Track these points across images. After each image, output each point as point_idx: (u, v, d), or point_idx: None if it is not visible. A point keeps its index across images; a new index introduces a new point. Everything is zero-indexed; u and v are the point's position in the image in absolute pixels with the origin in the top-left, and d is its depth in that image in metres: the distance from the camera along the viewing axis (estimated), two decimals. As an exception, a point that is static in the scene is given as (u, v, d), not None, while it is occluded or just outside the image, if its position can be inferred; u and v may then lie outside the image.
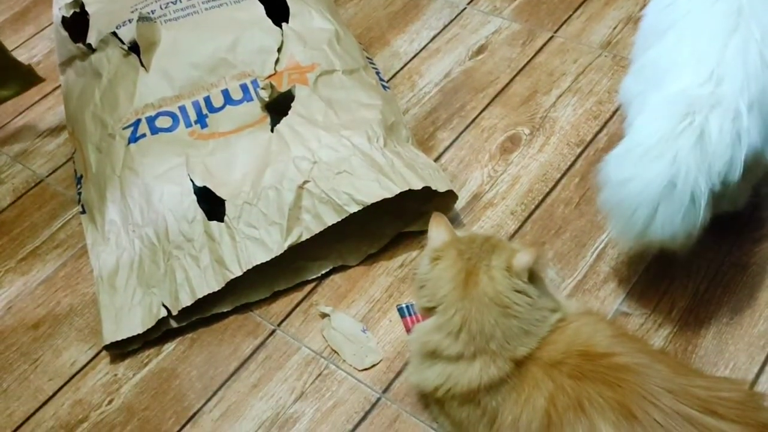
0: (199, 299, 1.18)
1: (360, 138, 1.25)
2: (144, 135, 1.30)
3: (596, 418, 0.84)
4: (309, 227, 1.20)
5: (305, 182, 1.22)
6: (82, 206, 1.37)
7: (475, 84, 1.51)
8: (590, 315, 0.99)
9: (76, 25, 1.50)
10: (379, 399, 1.11)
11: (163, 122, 1.31)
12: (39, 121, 1.60)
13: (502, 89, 1.49)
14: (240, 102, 1.32)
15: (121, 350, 1.20)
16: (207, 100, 1.32)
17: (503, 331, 0.91)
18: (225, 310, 1.23)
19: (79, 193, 1.39)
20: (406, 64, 1.57)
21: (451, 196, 1.26)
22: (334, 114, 1.29)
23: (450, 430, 1.00)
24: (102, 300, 1.23)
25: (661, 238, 1.03)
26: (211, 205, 1.23)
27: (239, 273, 1.18)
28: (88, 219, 1.34)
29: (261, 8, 1.41)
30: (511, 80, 1.50)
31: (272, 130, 1.28)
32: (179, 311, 1.19)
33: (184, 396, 1.15)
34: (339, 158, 1.24)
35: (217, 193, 1.23)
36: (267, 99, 1.30)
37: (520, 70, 1.52)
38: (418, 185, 1.21)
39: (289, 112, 1.29)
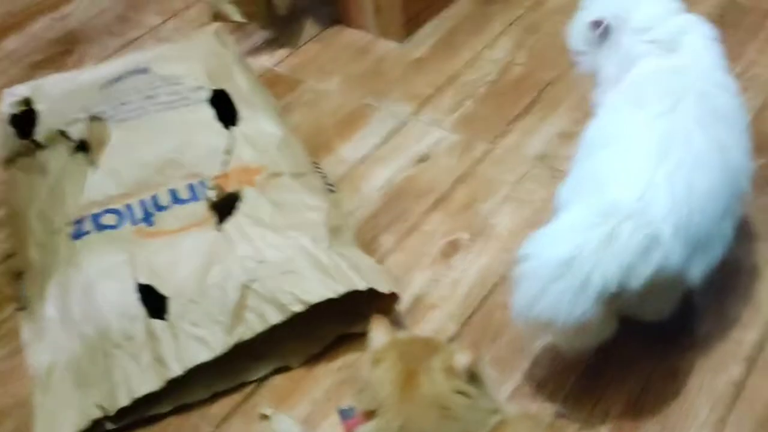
0: (138, 400, 1.16)
1: (306, 239, 1.28)
2: (88, 232, 1.30)
3: None
4: (253, 327, 1.20)
5: (250, 281, 1.23)
6: (21, 303, 1.34)
7: (417, 191, 1.56)
8: (528, 418, 1.01)
9: (24, 122, 1.51)
10: (318, 505, 1.09)
11: (109, 219, 1.32)
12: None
13: (443, 196, 1.54)
14: (187, 201, 1.34)
15: None
16: (154, 198, 1.34)
17: None
18: (163, 411, 1.20)
19: (19, 290, 1.36)
20: (350, 170, 1.62)
21: (393, 298, 1.28)
22: (281, 215, 1.32)
23: None
24: (36, 400, 1.19)
25: (549, 317, 1.06)
26: (154, 302, 1.23)
27: (180, 372, 1.16)
28: (25, 316, 1.32)
29: (211, 111, 1.45)
30: (452, 188, 1.56)
31: (218, 230, 1.30)
32: (116, 413, 1.16)
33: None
34: (285, 258, 1.25)
35: (161, 291, 1.23)
36: (214, 199, 1.33)
37: (460, 178, 1.58)
38: (362, 286, 1.23)
39: (236, 213, 1.31)
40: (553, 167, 1.58)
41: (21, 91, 1.56)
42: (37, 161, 1.44)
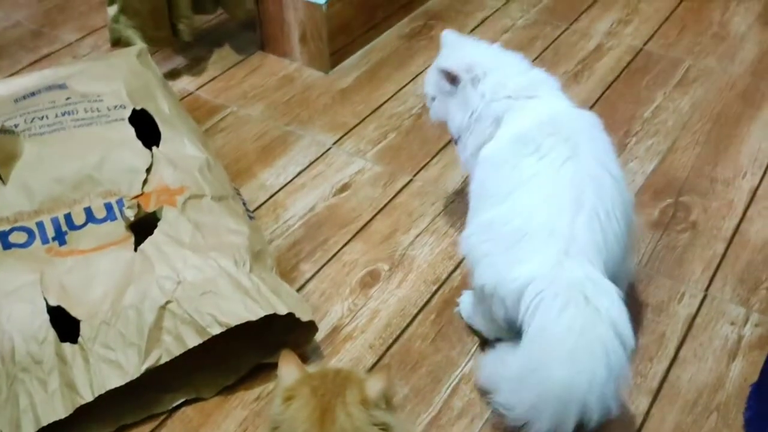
0: (44, 429, 1.10)
1: (227, 261, 1.26)
2: None
3: None
4: (169, 349, 1.17)
5: (168, 302, 1.19)
6: None
7: (338, 220, 1.56)
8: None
9: None
10: None
11: (18, 237, 1.26)
12: None
13: (364, 226, 1.55)
14: (103, 221, 1.30)
15: None
16: (68, 217, 1.29)
17: None
18: None
19: None
20: (271, 197, 1.60)
21: (311, 327, 1.27)
22: (202, 237, 1.29)
23: None
24: None
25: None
26: (65, 324, 1.18)
27: (91, 398, 1.12)
28: None
29: (131, 130, 1.42)
30: (373, 218, 1.57)
31: (136, 250, 1.26)
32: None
33: None
34: (205, 279, 1.22)
35: (72, 313, 1.18)
36: (132, 218, 1.29)
37: (381, 209, 1.59)
38: (282, 311, 1.21)
39: (155, 232, 1.28)
40: (472, 201, 1.61)
41: None
42: None
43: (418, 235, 1.53)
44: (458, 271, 1.46)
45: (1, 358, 1.15)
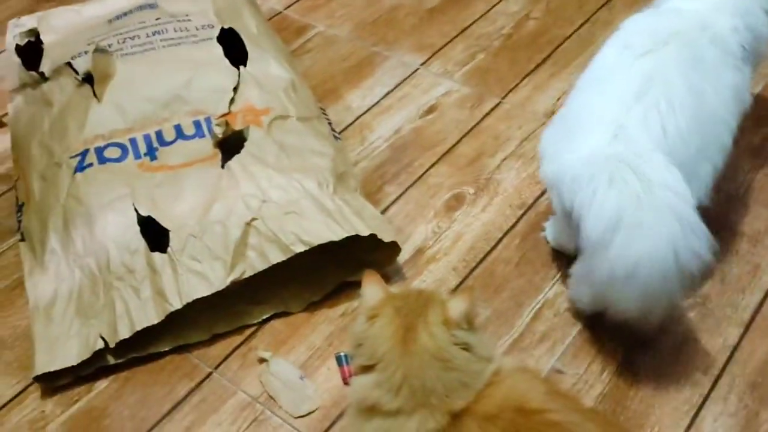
0: (138, 337, 1.17)
1: (311, 182, 1.27)
2: (91, 164, 1.29)
3: (529, 471, 0.86)
4: (253, 264, 1.20)
5: (253, 219, 1.22)
6: (22, 234, 1.34)
7: (423, 142, 1.55)
8: (525, 371, 1.01)
9: (30, 53, 1.50)
10: (313, 447, 1.11)
11: (112, 153, 1.31)
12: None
13: (450, 149, 1.53)
14: (192, 137, 1.33)
15: (52, 383, 1.17)
16: (158, 134, 1.33)
17: (444, 384, 0.92)
18: (163, 350, 1.21)
19: (19, 221, 1.36)
20: (357, 118, 1.60)
21: (395, 248, 1.28)
22: (286, 157, 1.31)
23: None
24: (36, 330, 1.20)
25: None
26: (155, 235, 1.22)
27: (179, 306, 1.17)
28: (27, 247, 1.32)
29: (219, 49, 1.43)
30: (459, 141, 1.55)
31: (223, 167, 1.29)
32: (117, 346, 1.17)
33: (113, 436, 1.12)
34: (288, 199, 1.25)
35: (162, 224, 1.22)
36: (220, 136, 1.32)
37: (468, 132, 1.57)
38: (364, 232, 1.23)
39: (242, 151, 1.30)
40: (562, 125, 1.56)
41: (27, 22, 1.54)
42: (41, 93, 1.42)
43: (504, 159, 1.51)
44: (545, 196, 1.43)
45: (98, 266, 1.21)
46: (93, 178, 1.28)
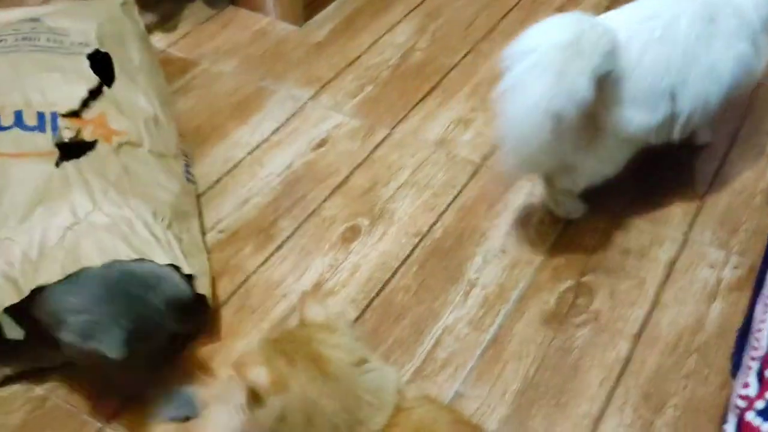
0: None
1: (146, 210, 1.21)
2: None
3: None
4: (64, 268, 1.10)
5: (74, 224, 1.14)
6: None
7: (316, 175, 1.54)
8: (429, 401, 1.01)
9: None
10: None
11: None
12: None
13: (343, 181, 1.53)
14: (32, 129, 1.24)
15: None
16: None
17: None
18: None
19: None
20: (248, 154, 1.58)
21: (205, 311, 1.23)
22: (128, 181, 1.24)
23: None
24: None
25: (565, 103, 1.17)
26: None
27: None
28: None
29: (86, 63, 1.36)
30: (352, 173, 1.55)
31: (57, 166, 1.21)
32: None
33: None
34: (120, 215, 1.17)
35: None
36: (65, 139, 1.24)
37: (360, 163, 1.57)
38: (184, 267, 1.17)
39: (82, 159, 1.22)
40: (450, 152, 1.59)
41: None
42: None
43: (398, 188, 1.52)
44: (439, 223, 1.45)
45: None
46: None
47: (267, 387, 0.88)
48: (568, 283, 1.35)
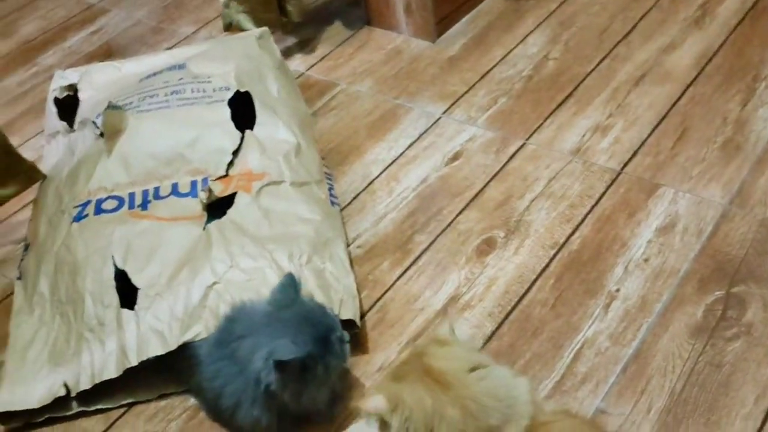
0: (97, 388, 1.19)
1: (282, 254, 1.28)
2: (87, 215, 1.34)
3: None
4: (208, 326, 1.20)
5: (215, 283, 1.23)
6: (20, 272, 1.39)
7: (451, 189, 1.55)
8: (569, 416, 0.99)
9: (67, 106, 1.61)
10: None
11: (109, 204, 1.36)
12: (17, 228, 1.60)
13: (478, 194, 1.53)
14: (185, 195, 1.36)
15: (7, 422, 1.21)
16: (156, 189, 1.37)
17: None
18: (118, 405, 1.24)
19: (21, 260, 1.42)
20: (384, 170, 1.61)
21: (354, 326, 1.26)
22: (268, 225, 1.32)
23: None
24: (8, 369, 1.24)
25: None
26: (127, 292, 1.25)
27: (135, 363, 1.19)
28: (21, 286, 1.37)
29: (227, 111, 1.46)
30: (486, 185, 1.55)
31: (203, 229, 1.31)
32: (84, 394, 1.20)
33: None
34: (255, 267, 1.26)
35: (134, 281, 1.25)
36: (204, 201, 1.34)
37: (495, 175, 1.56)
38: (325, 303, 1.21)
39: (223, 217, 1.33)
40: (587, 161, 1.56)
41: (71, 75, 1.67)
42: (69, 141, 1.52)
43: (533, 200, 1.50)
44: (577, 234, 1.42)
45: (75, 315, 1.25)
46: (85, 229, 1.32)
47: (386, 409, 0.91)
48: (717, 294, 1.29)
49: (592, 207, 1.46)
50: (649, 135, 1.59)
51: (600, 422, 1.13)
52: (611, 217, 1.44)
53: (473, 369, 0.93)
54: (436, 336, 0.98)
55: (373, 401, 0.92)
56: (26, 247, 1.43)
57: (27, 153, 1.64)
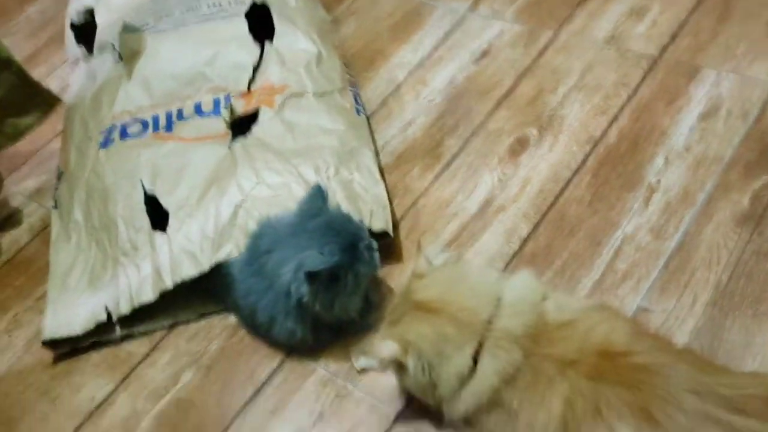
0: (138, 312, 1.20)
1: (308, 168, 1.25)
2: (113, 140, 1.34)
3: (615, 423, 0.81)
4: (239, 244, 1.18)
5: (243, 201, 1.21)
6: (55, 201, 1.40)
7: (479, 88, 1.49)
8: (605, 311, 0.96)
9: (86, 31, 1.58)
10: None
11: (134, 128, 1.35)
12: (52, 158, 1.60)
13: (508, 91, 1.47)
14: (208, 114, 1.34)
15: (56, 349, 1.22)
16: (180, 111, 1.36)
17: None
18: (160, 327, 1.24)
19: (56, 189, 1.42)
20: (410, 74, 1.55)
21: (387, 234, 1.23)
22: (292, 139, 1.30)
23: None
24: (51, 296, 1.26)
25: None
26: (157, 214, 1.24)
27: (171, 286, 1.18)
28: (57, 215, 1.37)
29: (245, 25, 1.42)
30: (516, 82, 1.48)
31: (229, 148, 1.29)
32: (126, 318, 1.21)
33: (203, 426, 1.13)
34: (281, 182, 1.23)
35: (163, 204, 1.24)
36: (227, 120, 1.32)
37: (525, 71, 1.49)
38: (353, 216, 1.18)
39: (247, 134, 1.30)
40: (621, 48, 1.47)
41: (87, 0, 1.63)
42: (89, 67, 1.50)
43: (566, 94, 1.43)
44: (613, 127, 1.36)
45: (109, 241, 1.25)
46: (112, 154, 1.32)
47: (400, 352, 0.93)
48: (765, 179, 1.22)
49: (629, 96, 1.39)
50: (689, 15, 1.49)
51: (643, 320, 1.10)
52: (649, 106, 1.37)
53: (455, 282, 0.96)
54: (414, 271, 0.99)
55: (386, 348, 0.94)
56: (59, 176, 1.44)
57: (54, 83, 1.64)
